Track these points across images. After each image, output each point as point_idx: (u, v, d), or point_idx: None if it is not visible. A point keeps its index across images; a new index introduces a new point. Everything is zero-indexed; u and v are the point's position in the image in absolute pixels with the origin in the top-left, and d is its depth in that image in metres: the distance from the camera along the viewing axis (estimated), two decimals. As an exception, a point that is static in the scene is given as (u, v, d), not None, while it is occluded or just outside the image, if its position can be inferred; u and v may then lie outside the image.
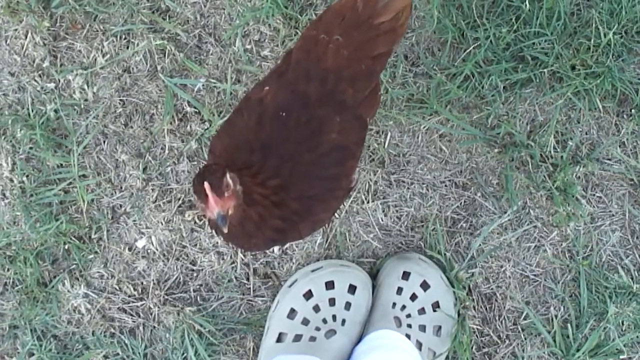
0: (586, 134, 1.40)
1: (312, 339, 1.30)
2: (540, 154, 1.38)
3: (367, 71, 1.02)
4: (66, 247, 1.39)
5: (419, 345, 1.31)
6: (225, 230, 0.90)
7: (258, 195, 0.97)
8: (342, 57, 1.01)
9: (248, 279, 1.38)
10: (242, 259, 1.38)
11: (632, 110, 1.39)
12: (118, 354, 1.38)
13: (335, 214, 1.37)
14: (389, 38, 1.02)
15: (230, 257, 1.38)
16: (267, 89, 1.02)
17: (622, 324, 1.38)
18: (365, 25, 1.00)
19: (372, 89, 1.04)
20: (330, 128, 1.01)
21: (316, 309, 1.32)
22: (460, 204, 1.39)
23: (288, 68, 1.03)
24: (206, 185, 0.88)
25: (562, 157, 1.38)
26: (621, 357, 1.37)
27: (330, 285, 1.33)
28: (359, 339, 1.34)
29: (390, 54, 1.09)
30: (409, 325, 1.31)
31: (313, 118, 1.00)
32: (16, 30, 1.41)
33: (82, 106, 1.40)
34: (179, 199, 1.39)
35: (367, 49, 1.01)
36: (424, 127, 1.39)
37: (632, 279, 1.38)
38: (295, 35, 1.38)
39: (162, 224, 1.39)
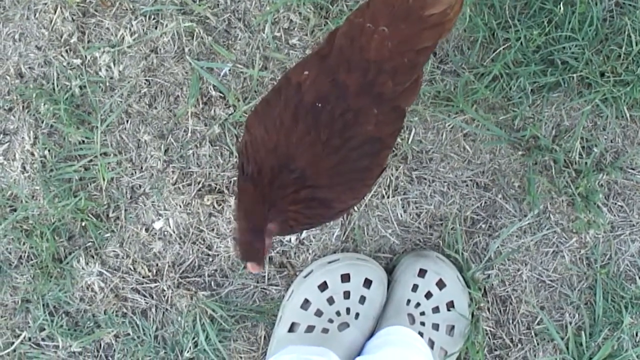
0: (611, 141, 1.39)
1: (325, 330, 1.30)
2: (564, 159, 1.37)
3: (410, 64, 1.01)
4: (83, 224, 1.39)
5: (431, 344, 1.30)
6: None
7: (291, 213, 1.00)
8: (385, 49, 0.99)
9: (263, 267, 1.38)
10: (259, 247, 1.38)
11: (659, 121, 1.39)
12: (129, 334, 1.38)
13: (355, 207, 1.36)
14: (436, 32, 1.01)
15: (247, 244, 1.38)
16: (307, 73, 1.01)
17: (637, 335, 1.37)
18: (414, 16, 0.99)
19: (413, 80, 1.03)
20: (366, 120, 1.00)
21: (330, 301, 1.32)
22: (481, 204, 1.39)
23: (330, 53, 1.02)
24: (249, 265, 1.01)
25: (586, 163, 1.37)
26: (633, 367, 1.36)
27: (345, 278, 1.33)
28: (372, 334, 1.33)
29: (434, 48, 1.08)
30: (422, 323, 1.31)
31: (349, 110, 0.99)
32: (45, 4, 1.41)
33: (108, 84, 1.40)
34: (199, 183, 1.38)
35: (412, 42, 1.00)
36: (449, 125, 1.38)
37: (649, 290, 1.38)
38: (325, 25, 1.38)
39: (180, 206, 1.38)
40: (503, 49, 1.36)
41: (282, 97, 1.01)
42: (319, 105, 0.98)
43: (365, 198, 1.34)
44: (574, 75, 1.36)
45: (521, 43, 1.35)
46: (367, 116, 1.00)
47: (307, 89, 1.00)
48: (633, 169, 1.39)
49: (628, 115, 1.37)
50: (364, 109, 1.00)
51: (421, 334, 1.30)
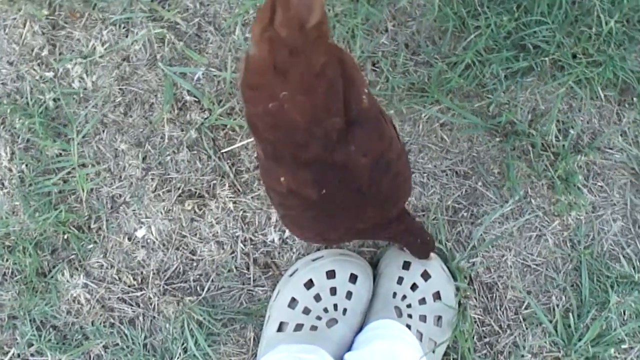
0: (588, 122, 1.40)
1: (314, 328, 1.30)
2: (542, 143, 1.37)
3: (327, 93, 0.92)
4: (65, 236, 1.38)
5: (420, 336, 1.30)
6: None
7: None
8: (305, 108, 0.91)
9: (248, 269, 1.38)
10: (242, 249, 1.38)
11: (634, 99, 1.39)
12: (118, 344, 1.37)
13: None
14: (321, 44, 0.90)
15: (230, 246, 1.38)
16: (283, 179, 0.99)
17: (624, 313, 1.37)
18: (304, 41, 0.87)
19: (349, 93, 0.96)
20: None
21: (317, 298, 1.32)
22: (462, 193, 1.39)
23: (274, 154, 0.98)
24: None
25: (563, 146, 1.37)
26: (623, 346, 1.36)
27: (331, 274, 1.33)
28: (360, 329, 1.33)
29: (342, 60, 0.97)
30: (410, 316, 1.31)
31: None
32: (14, 19, 1.41)
33: (81, 95, 1.40)
34: (179, 189, 1.38)
35: (310, 72, 0.90)
36: (425, 116, 1.38)
37: (633, 268, 1.38)
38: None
39: (161, 213, 1.38)
40: (474, 37, 1.36)
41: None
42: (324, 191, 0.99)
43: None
44: (546, 58, 1.36)
45: (492, 30, 1.35)
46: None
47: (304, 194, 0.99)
48: (611, 149, 1.39)
49: (602, 95, 1.38)
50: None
51: (409, 327, 1.30)
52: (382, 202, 1.04)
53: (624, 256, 1.38)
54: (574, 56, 1.37)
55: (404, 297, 1.32)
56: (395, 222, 1.12)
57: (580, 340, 1.35)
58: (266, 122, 0.93)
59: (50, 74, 1.40)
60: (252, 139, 1.37)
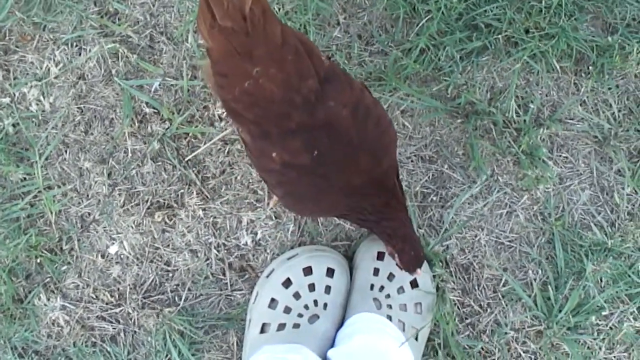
0: (547, 95, 1.40)
1: (296, 326, 1.30)
2: (503, 120, 1.38)
3: (296, 59, 0.99)
4: (38, 260, 1.38)
5: (402, 325, 1.30)
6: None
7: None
8: (280, 78, 0.98)
9: (224, 274, 1.38)
10: (216, 255, 1.38)
11: (590, 68, 1.40)
12: (101, 362, 1.37)
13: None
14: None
15: (204, 254, 1.37)
16: (275, 154, 1.03)
17: (601, 280, 1.38)
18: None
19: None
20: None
21: (296, 296, 1.32)
22: (429, 177, 1.39)
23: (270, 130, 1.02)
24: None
25: (524, 121, 1.38)
26: (603, 313, 1.37)
27: (308, 271, 1.33)
28: (342, 322, 1.33)
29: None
30: (389, 306, 1.31)
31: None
32: (-34, 48, 1.40)
33: (40, 117, 1.39)
34: (147, 201, 1.38)
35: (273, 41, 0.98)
36: (385, 105, 1.39)
37: (606, 235, 1.39)
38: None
39: (132, 227, 1.38)
40: (426, 21, 1.37)
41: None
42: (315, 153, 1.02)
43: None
44: (499, 36, 1.37)
45: (443, 13, 1.36)
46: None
47: (297, 161, 1.03)
48: (572, 119, 1.40)
49: (558, 67, 1.39)
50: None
51: (390, 317, 1.30)
52: (373, 149, 1.06)
53: (595, 224, 1.39)
54: (527, 31, 1.38)
55: (382, 287, 1.32)
56: (393, 200, 1.13)
57: (560, 311, 1.36)
58: (245, 101, 0.98)
59: (6, 100, 1.39)
60: (214, 143, 1.37)
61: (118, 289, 1.38)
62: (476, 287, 1.38)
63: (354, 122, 1.02)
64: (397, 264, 1.21)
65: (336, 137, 1.01)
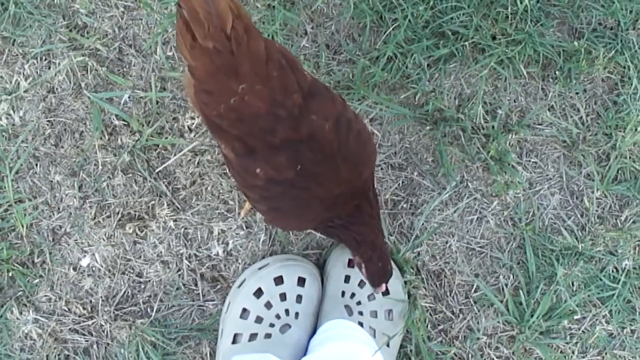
0: (514, 101, 1.41)
1: (268, 335, 1.30)
2: (472, 127, 1.38)
3: (280, 75, 1.01)
4: (10, 274, 1.38)
5: (373, 332, 1.31)
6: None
7: None
8: (265, 93, 1.00)
9: (196, 285, 1.38)
10: (188, 265, 1.38)
11: (557, 73, 1.41)
12: (74, 375, 1.37)
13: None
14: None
15: (176, 264, 1.38)
16: (259, 170, 1.04)
17: (572, 284, 1.38)
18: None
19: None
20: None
21: (268, 305, 1.32)
22: (399, 185, 1.40)
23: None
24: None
25: (493, 126, 1.38)
26: (575, 317, 1.37)
27: (279, 280, 1.33)
28: (315, 331, 1.33)
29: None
30: (360, 313, 1.31)
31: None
32: (-64, 63, 1.40)
33: (10, 131, 1.39)
34: (118, 213, 1.38)
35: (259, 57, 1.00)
36: (354, 113, 1.39)
37: (576, 239, 1.39)
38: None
39: (103, 240, 1.38)
40: (393, 29, 1.38)
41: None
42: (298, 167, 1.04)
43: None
44: (466, 43, 1.38)
45: (409, 21, 1.37)
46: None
47: (281, 177, 1.04)
48: (540, 124, 1.41)
49: (525, 72, 1.39)
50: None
51: (361, 324, 1.30)
52: (354, 161, 1.07)
53: (565, 228, 1.40)
54: (494, 37, 1.39)
55: (353, 294, 1.33)
56: (366, 204, 1.14)
57: (532, 316, 1.36)
58: (230, 118, 1.00)
59: (-24, 114, 1.40)
60: (184, 154, 1.38)
61: (90, 301, 1.38)
62: (448, 294, 1.38)
63: (336, 135, 1.03)
64: (363, 275, 1.21)
65: (318, 150, 1.02)
